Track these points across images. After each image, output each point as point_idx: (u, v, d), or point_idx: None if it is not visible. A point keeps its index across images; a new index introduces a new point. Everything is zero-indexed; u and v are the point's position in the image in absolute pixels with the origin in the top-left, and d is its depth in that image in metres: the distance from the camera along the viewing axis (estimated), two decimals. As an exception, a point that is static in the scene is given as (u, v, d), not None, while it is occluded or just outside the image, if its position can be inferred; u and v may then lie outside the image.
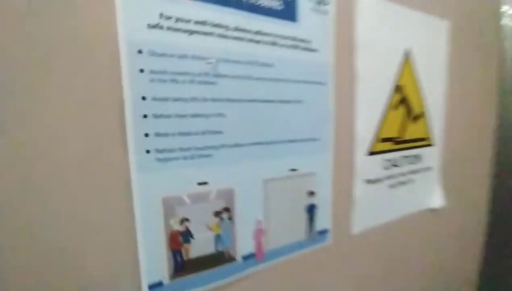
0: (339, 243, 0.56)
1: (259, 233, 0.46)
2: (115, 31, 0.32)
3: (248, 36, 0.41)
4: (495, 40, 0.84)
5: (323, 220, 0.54)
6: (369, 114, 0.57)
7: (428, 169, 0.72)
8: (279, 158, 0.46)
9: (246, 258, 0.45)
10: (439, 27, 0.69)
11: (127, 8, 0.32)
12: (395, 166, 0.64)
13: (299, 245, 0.51)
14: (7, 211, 0.28)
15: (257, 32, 0.41)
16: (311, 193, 0.52)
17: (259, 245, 0.46)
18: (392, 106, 0.61)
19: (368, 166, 0.59)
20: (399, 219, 0.68)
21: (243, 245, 0.44)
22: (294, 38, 0.45)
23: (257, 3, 0.41)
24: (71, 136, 0.31)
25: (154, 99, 0.34)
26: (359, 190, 0.58)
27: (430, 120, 0.70)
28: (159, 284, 0.37)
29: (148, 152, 0.35)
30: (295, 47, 0.45)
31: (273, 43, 0.43)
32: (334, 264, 0.57)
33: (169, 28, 0.35)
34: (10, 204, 0.29)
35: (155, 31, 0.34)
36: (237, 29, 0.39)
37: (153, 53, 0.34)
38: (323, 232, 0.54)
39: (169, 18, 0.34)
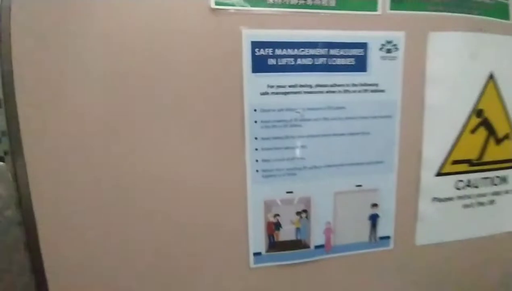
0: (400, 250, 0.66)
1: (328, 231, 0.62)
2: (243, 100, 0.53)
3: (326, 89, 0.55)
4: None
5: (385, 228, 0.64)
6: (439, 139, 0.63)
7: (515, 191, 0.70)
8: (347, 176, 0.60)
9: (317, 247, 0.62)
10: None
11: (249, 85, 0.52)
12: (472, 186, 0.67)
13: (362, 245, 0.64)
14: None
15: (333, 85, 0.56)
16: (374, 205, 0.63)
17: (328, 239, 0.62)
18: (468, 131, 0.64)
19: (435, 185, 0.64)
20: (474, 239, 0.69)
21: (316, 237, 0.61)
22: (363, 84, 0.57)
23: (334, 64, 0.55)
24: (213, 171, 0.54)
25: (262, 139, 0.54)
26: (425, 206, 0.65)
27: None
28: (259, 253, 0.59)
29: (257, 171, 0.55)
30: (364, 91, 0.57)
31: (346, 91, 0.56)
32: (392, 267, 0.67)
33: (272, 93, 0.53)
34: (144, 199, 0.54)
35: (264, 96, 0.53)
36: (317, 85, 0.55)
37: (262, 111, 0.54)
38: (384, 238, 0.65)
39: (272, 86, 0.53)
